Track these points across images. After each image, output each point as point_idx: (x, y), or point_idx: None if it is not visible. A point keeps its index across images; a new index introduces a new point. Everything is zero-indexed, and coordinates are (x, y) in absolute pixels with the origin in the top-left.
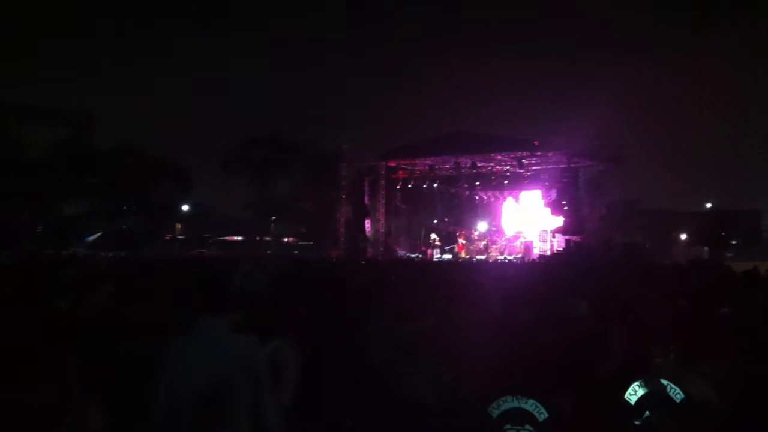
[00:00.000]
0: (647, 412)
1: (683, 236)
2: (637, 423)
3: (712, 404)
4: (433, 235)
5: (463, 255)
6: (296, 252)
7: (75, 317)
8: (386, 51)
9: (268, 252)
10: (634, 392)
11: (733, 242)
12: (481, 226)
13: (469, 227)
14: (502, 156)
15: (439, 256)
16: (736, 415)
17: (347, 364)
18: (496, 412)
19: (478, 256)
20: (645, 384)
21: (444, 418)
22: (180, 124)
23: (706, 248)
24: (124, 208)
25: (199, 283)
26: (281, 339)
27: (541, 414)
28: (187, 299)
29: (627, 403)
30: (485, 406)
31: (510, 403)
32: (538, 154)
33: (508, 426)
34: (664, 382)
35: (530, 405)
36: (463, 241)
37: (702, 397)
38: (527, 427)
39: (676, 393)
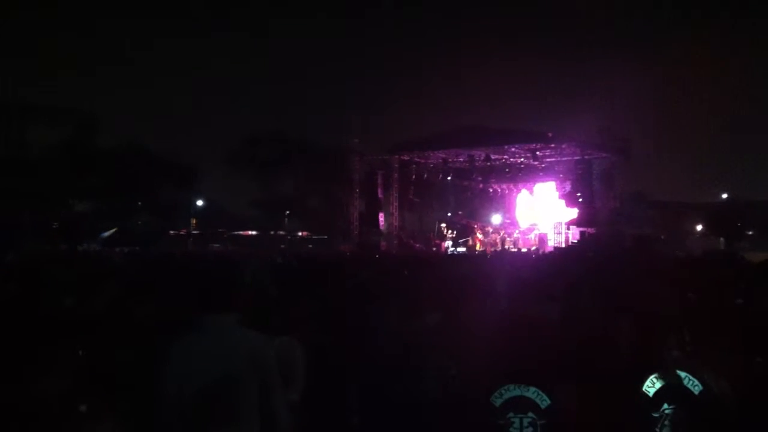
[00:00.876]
0: (665, 404)
1: (699, 227)
2: (655, 415)
3: (729, 396)
4: (443, 225)
5: (479, 248)
6: (310, 246)
7: (79, 315)
8: (395, 45)
9: (282, 246)
10: (653, 384)
11: (750, 233)
12: (495, 219)
13: (484, 220)
14: (516, 148)
15: (452, 249)
16: (751, 408)
17: (353, 361)
18: (498, 401)
19: (493, 249)
20: (663, 376)
21: (448, 411)
22: (187, 123)
23: (721, 239)
24: (139, 203)
25: (206, 280)
26: (288, 336)
27: (544, 401)
28: (193, 296)
29: (645, 394)
30: (488, 396)
31: (512, 391)
32: (552, 146)
33: (511, 414)
34: (682, 374)
35: (532, 392)
36: (480, 235)
37: (720, 389)
38: (530, 414)
39: (694, 385)
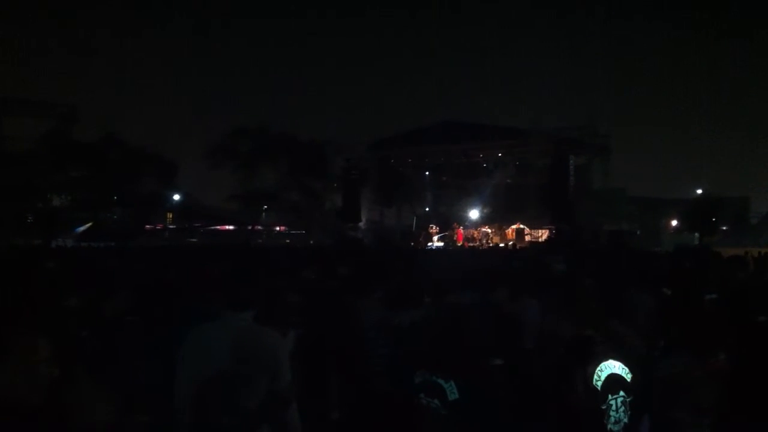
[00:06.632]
0: (609, 395)
1: (674, 223)
2: (603, 407)
3: (655, 384)
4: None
5: (459, 243)
6: (288, 241)
7: (64, 313)
8: (373, 42)
9: (259, 241)
10: (599, 378)
11: (723, 228)
12: (473, 214)
13: (461, 215)
14: (493, 144)
15: (430, 244)
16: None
17: (335, 356)
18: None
19: (471, 244)
20: (605, 368)
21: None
22: (166, 116)
23: (696, 234)
24: (115, 198)
25: (223, 276)
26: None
27: (452, 393)
28: (211, 291)
29: (595, 388)
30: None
31: (426, 377)
32: (529, 141)
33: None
34: (616, 363)
35: (448, 384)
36: (457, 230)
37: (647, 377)
38: (436, 401)
39: (627, 373)
